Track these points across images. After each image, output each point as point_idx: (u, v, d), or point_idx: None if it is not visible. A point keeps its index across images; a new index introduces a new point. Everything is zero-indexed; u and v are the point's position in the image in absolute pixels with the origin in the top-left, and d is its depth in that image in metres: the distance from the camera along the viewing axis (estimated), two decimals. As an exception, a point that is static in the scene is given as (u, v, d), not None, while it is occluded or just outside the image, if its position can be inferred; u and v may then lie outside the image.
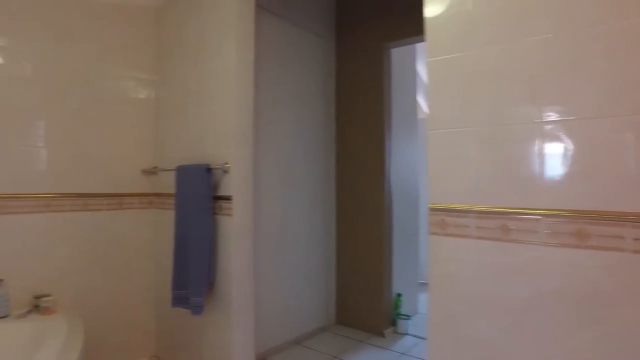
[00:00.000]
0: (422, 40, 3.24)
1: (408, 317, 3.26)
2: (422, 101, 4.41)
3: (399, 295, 3.32)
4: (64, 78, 2.38)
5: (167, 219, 2.61)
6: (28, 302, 2.24)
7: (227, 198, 2.15)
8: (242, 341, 2.19)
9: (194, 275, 2.17)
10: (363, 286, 3.29)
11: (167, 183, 2.61)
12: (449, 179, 1.37)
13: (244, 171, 2.19)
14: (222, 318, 2.20)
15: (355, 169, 3.36)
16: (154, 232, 2.74)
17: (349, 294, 3.39)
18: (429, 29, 1.45)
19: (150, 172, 2.71)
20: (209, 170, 2.15)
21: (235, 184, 2.14)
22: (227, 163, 2.13)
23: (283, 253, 3.00)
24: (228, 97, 2.19)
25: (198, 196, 2.17)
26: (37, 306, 2.21)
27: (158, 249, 2.72)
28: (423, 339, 3.05)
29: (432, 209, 1.41)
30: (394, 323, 3.27)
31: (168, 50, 2.69)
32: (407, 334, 3.21)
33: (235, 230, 2.14)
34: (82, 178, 2.43)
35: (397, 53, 3.32)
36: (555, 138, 1.19)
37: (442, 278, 1.37)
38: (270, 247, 2.88)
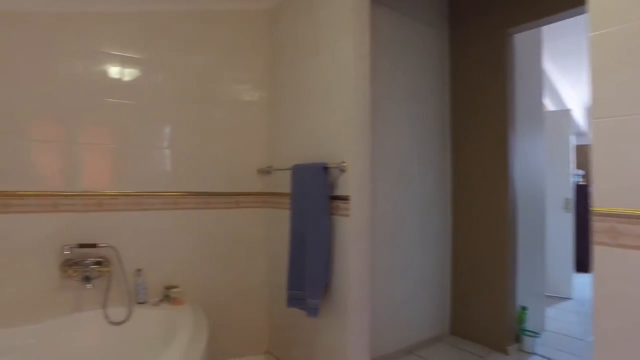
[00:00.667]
0: (552, 21, 2.98)
1: (536, 334, 2.92)
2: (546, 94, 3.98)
3: (523, 308, 2.99)
4: (187, 84, 2.54)
5: (281, 217, 2.65)
6: (159, 292, 2.41)
7: (344, 198, 2.10)
8: (358, 346, 2.12)
9: (310, 277, 2.15)
10: (482, 295, 3.03)
11: (281, 182, 2.64)
12: (621, 177, 1.15)
13: (361, 170, 2.12)
14: (337, 321, 2.15)
15: (473, 169, 3.11)
16: (268, 231, 2.80)
17: (466, 302, 3.15)
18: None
19: (265, 171, 2.77)
20: (325, 169, 2.12)
21: (352, 184, 2.07)
22: (344, 162, 2.08)
23: (396, 255, 2.88)
24: (344, 93, 2.13)
25: (315, 196, 2.15)
26: (167, 296, 2.37)
27: (272, 248, 2.77)
28: (553, 360, 2.73)
29: (599, 214, 1.19)
30: (517, 339, 2.96)
31: (281, 50, 2.73)
32: (534, 353, 2.88)
33: (353, 232, 2.08)
34: (203, 178, 2.56)
35: (520, 40, 3.01)
36: None
37: (612, 300, 1.15)
38: (384, 249, 2.78)
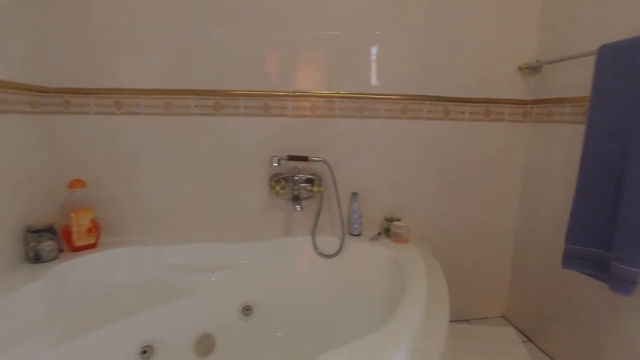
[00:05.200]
0: None
1: None
2: None
3: None
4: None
5: (553, 136, 1.77)
6: (378, 224, 1.91)
7: None
8: None
9: (627, 229, 1.27)
10: None
11: (559, 83, 1.73)
12: None
13: None
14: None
15: None
16: (530, 155, 1.95)
17: None
18: None
19: (532, 68, 1.87)
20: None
21: None
22: None
23: None
24: None
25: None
26: (388, 230, 1.84)
27: (531, 180, 1.93)
28: None
29: None
30: None
31: None
32: None
33: None
34: (440, 77, 1.83)
35: None
36: None
37: None
38: None
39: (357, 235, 1.83)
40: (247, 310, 1.65)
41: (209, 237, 1.74)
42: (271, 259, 1.72)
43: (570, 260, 1.48)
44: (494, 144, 1.94)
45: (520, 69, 1.89)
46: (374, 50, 1.77)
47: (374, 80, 1.79)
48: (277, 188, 1.73)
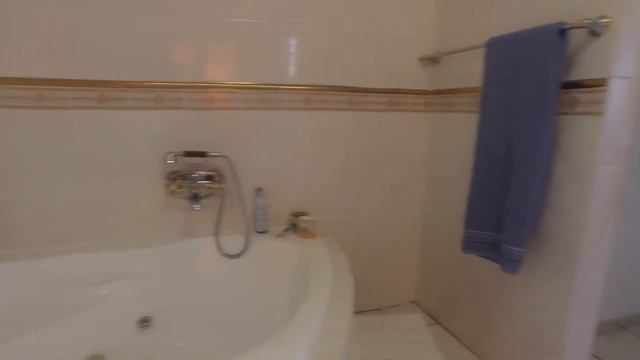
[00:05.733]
0: None
1: None
2: None
3: None
4: None
5: (454, 125, 1.82)
6: (284, 220, 1.85)
7: (594, 84, 1.16)
8: (582, 321, 1.31)
9: (514, 213, 1.33)
10: None
11: (457, 74, 1.79)
12: None
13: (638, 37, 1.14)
14: (547, 282, 1.34)
15: None
16: (432, 144, 2.00)
17: None
18: None
19: (432, 60, 1.91)
20: (562, 33, 1.18)
21: (618, 56, 1.12)
22: (604, 17, 1.12)
23: None
24: None
25: (533, 85, 1.25)
26: (295, 225, 1.79)
27: (435, 169, 1.98)
28: None
29: None
30: None
31: None
32: None
33: (602, 143, 1.17)
34: (344, 67, 1.80)
35: None
36: None
37: None
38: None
39: (263, 232, 1.75)
40: (144, 322, 1.51)
41: (98, 245, 1.56)
42: (171, 264, 1.59)
43: (468, 244, 1.54)
44: (398, 134, 1.96)
45: (421, 59, 1.91)
46: (277, 40, 1.68)
47: (276, 71, 1.71)
48: (173, 187, 1.60)
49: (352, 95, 1.83)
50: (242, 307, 1.61)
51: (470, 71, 1.68)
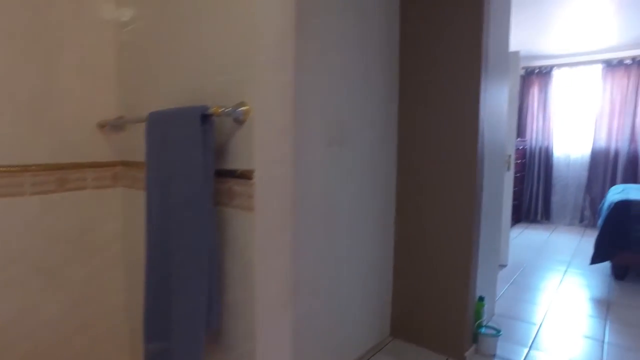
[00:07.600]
0: None
1: (497, 332, 2.24)
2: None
3: (481, 299, 2.30)
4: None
5: (142, 205, 1.56)
6: None
7: (244, 175, 1.07)
8: None
9: (178, 318, 1.13)
10: (433, 286, 2.25)
11: (141, 145, 1.55)
12: None
13: (280, 121, 1.09)
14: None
15: (429, 132, 2.24)
16: (124, 228, 1.69)
17: (410, 297, 2.36)
18: None
19: (114, 126, 1.63)
20: (205, 118, 1.05)
21: (260, 146, 1.04)
22: (243, 105, 1.03)
23: (328, 247, 1.94)
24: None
25: (184, 170, 1.09)
26: None
27: (134, 253, 1.68)
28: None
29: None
30: (475, 339, 2.26)
31: None
32: (495, 356, 2.22)
33: (261, 237, 1.07)
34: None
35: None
36: None
37: None
38: (309, 241, 1.82)
39: None
40: None
41: None
42: None
43: (150, 358, 1.27)
44: (77, 217, 1.58)
45: (100, 126, 1.61)
46: None
47: None
48: None
49: (4, 176, 1.38)
50: None
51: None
